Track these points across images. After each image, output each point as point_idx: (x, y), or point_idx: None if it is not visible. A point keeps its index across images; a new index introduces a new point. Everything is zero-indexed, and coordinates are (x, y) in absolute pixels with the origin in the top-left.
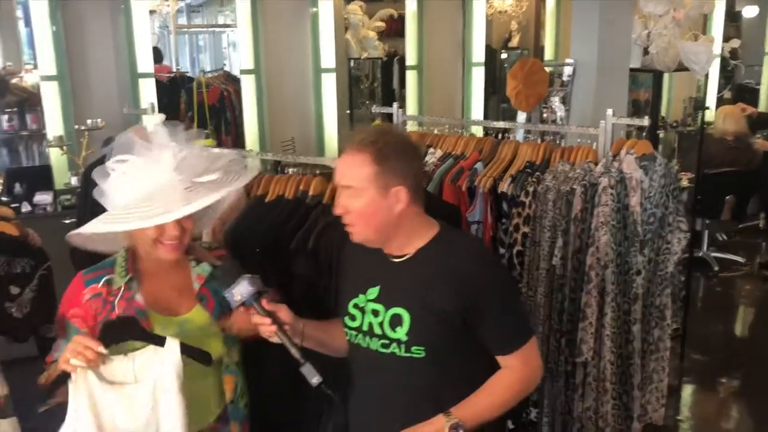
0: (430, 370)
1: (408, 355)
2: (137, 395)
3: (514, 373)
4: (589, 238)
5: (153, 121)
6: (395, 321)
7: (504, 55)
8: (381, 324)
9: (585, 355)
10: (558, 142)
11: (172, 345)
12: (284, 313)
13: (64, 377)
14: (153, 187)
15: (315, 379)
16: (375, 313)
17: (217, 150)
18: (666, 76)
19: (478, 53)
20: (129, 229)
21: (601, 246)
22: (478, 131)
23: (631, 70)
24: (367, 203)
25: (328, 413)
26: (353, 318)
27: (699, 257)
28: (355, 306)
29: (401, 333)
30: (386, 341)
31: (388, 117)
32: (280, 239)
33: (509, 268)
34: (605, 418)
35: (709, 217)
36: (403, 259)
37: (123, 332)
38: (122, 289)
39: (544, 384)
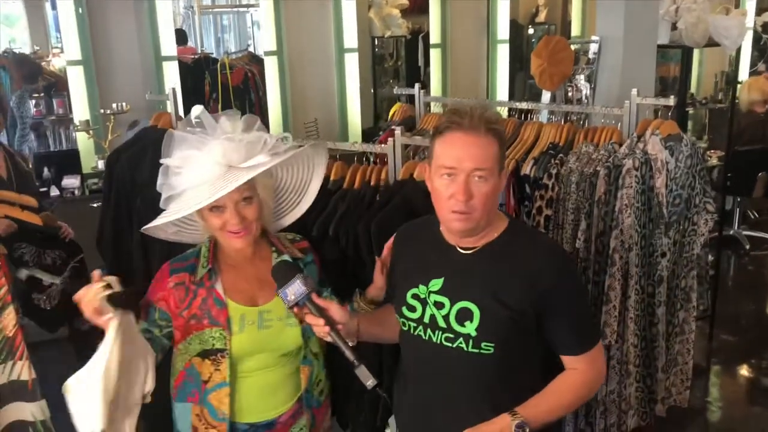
0: (497, 366)
1: (476, 350)
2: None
3: (581, 375)
4: (613, 221)
5: (195, 112)
6: (463, 315)
7: (531, 31)
8: (446, 317)
9: (608, 338)
10: (582, 122)
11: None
12: (336, 311)
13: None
14: (202, 177)
15: (370, 382)
16: (439, 305)
17: (263, 134)
18: (695, 52)
19: (503, 30)
20: (176, 218)
21: (625, 228)
22: (501, 112)
23: (659, 46)
24: (493, 186)
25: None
26: (412, 309)
27: (730, 236)
28: (415, 297)
29: (471, 328)
30: (452, 335)
31: (410, 98)
32: (304, 225)
33: None
34: (629, 400)
35: (741, 195)
36: (472, 251)
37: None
38: (203, 278)
39: None
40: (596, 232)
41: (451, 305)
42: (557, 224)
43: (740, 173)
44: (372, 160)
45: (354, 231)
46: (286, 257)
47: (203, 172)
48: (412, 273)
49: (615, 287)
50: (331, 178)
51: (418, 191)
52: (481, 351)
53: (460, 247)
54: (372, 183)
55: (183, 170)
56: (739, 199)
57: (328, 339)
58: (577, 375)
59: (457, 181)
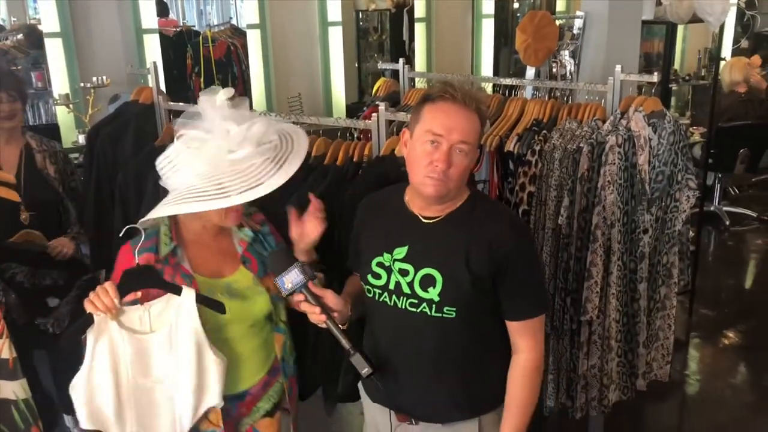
0: (461, 330)
1: (439, 315)
2: (152, 345)
3: (526, 360)
4: (596, 198)
5: (222, 97)
6: (427, 281)
7: (516, 5)
8: (410, 284)
9: (590, 313)
10: (566, 98)
11: (188, 294)
12: (331, 298)
13: (89, 321)
14: (216, 169)
15: (365, 370)
16: (403, 272)
17: (266, 120)
18: (679, 28)
19: (488, 4)
20: (223, 207)
21: (608, 205)
22: (486, 88)
23: (643, 22)
24: (470, 161)
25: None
26: (377, 276)
27: (710, 211)
28: (380, 265)
29: (433, 293)
30: (415, 300)
31: (395, 74)
32: (281, 202)
33: None
34: (610, 375)
35: (722, 171)
36: (435, 220)
37: (142, 281)
38: (168, 256)
39: (549, 342)
40: (579, 209)
41: (415, 272)
42: (540, 201)
43: (722, 149)
44: (356, 136)
45: (332, 207)
46: (247, 230)
47: (216, 163)
48: (377, 242)
49: (597, 263)
50: (313, 153)
51: (397, 166)
52: (444, 315)
53: (423, 217)
54: (355, 159)
55: (191, 159)
56: (720, 175)
57: (323, 326)
58: (524, 362)
59: (440, 149)
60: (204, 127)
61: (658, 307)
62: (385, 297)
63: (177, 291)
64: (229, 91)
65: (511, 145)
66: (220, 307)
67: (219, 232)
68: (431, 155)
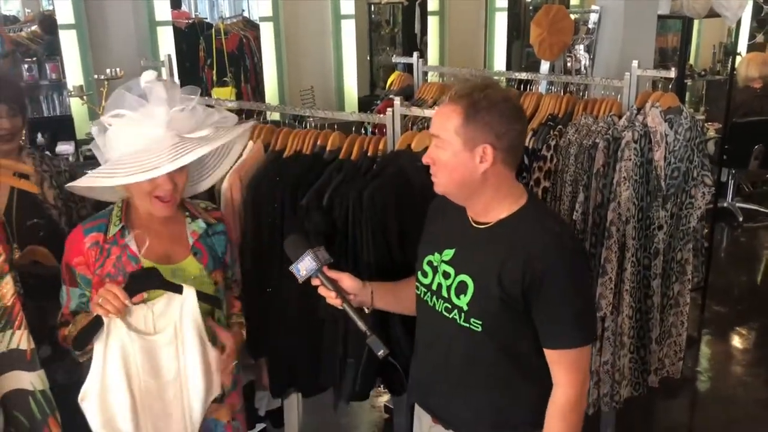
0: (488, 344)
1: (466, 325)
2: (159, 345)
3: (563, 395)
4: (611, 193)
5: (146, 77)
6: (460, 288)
7: None
8: (449, 287)
9: (603, 310)
10: (581, 93)
11: (189, 293)
12: (347, 281)
13: (97, 326)
14: (144, 142)
15: (381, 352)
16: (446, 275)
17: (209, 108)
18: (695, 23)
19: None
20: (121, 184)
21: (623, 201)
22: (501, 82)
23: (659, 16)
24: (451, 156)
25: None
26: (425, 275)
27: (724, 208)
28: (429, 263)
29: (464, 301)
30: (449, 306)
31: (408, 67)
32: (297, 196)
33: None
34: (622, 371)
35: (737, 168)
36: (485, 226)
37: (144, 283)
38: (116, 236)
39: None
40: (594, 205)
41: (455, 276)
42: (555, 196)
43: (737, 145)
44: (370, 130)
45: (347, 201)
46: (200, 222)
47: (149, 138)
48: (432, 240)
49: (611, 259)
50: (328, 148)
51: (413, 161)
52: (471, 326)
53: (474, 221)
54: (370, 154)
55: (122, 131)
56: (733, 172)
57: (340, 308)
58: (560, 398)
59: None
60: (136, 106)
61: (672, 303)
62: (428, 297)
63: (178, 290)
64: (152, 74)
65: (526, 140)
66: (177, 289)
67: (170, 219)
68: None
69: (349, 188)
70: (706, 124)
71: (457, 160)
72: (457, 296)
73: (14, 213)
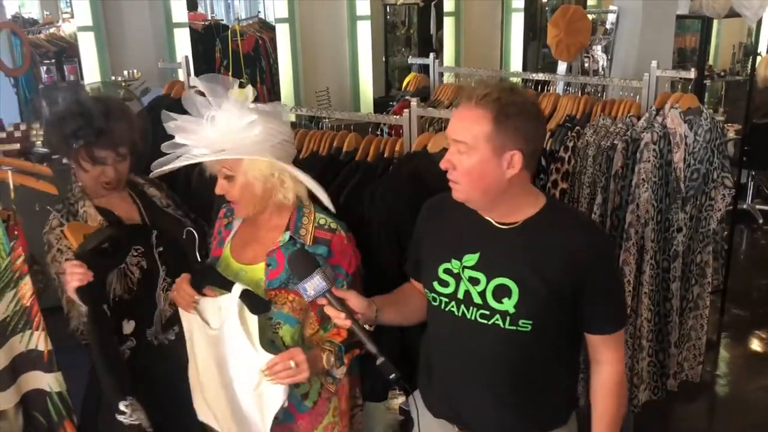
0: (535, 344)
1: (514, 328)
2: (222, 339)
3: (612, 372)
4: (629, 195)
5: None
6: (501, 292)
7: None
8: (482, 293)
9: None
10: (599, 94)
11: (236, 290)
12: (354, 300)
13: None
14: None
15: (393, 376)
16: (474, 281)
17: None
18: (714, 23)
19: None
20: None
21: (642, 203)
22: (517, 82)
23: (678, 16)
24: (477, 162)
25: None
26: (445, 284)
27: (743, 209)
28: (447, 271)
29: (509, 305)
30: (487, 312)
31: (423, 68)
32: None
33: None
34: (641, 375)
35: (756, 169)
36: (511, 227)
37: (203, 279)
38: (227, 218)
39: (581, 340)
40: (612, 207)
41: (488, 281)
42: (573, 198)
43: (757, 147)
44: (386, 131)
45: (362, 203)
46: (287, 235)
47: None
48: (444, 247)
49: (630, 262)
50: (344, 149)
51: (429, 163)
52: (518, 329)
53: (497, 222)
54: (386, 155)
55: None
56: (753, 173)
57: (347, 328)
58: (610, 375)
59: (450, 149)
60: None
61: (691, 306)
62: (453, 306)
63: (229, 287)
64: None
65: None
66: (262, 307)
67: (270, 224)
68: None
69: (365, 190)
70: (725, 126)
71: (483, 167)
72: (498, 300)
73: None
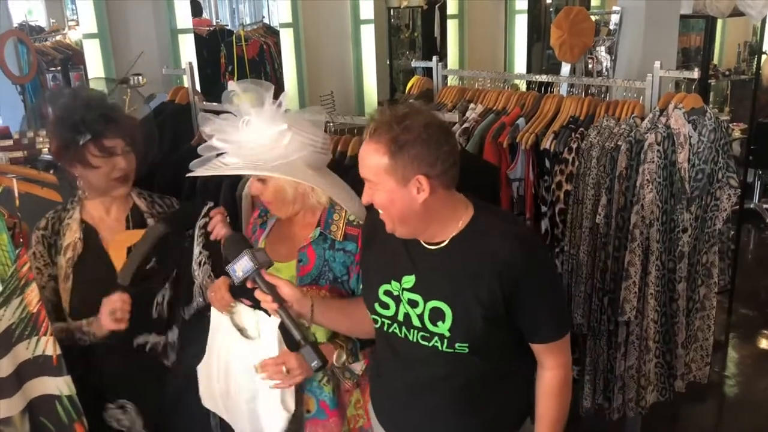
0: (476, 362)
1: (451, 350)
2: (259, 350)
3: (555, 377)
4: (634, 196)
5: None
6: (436, 315)
7: (549, 0)
8: (420, 316)
9: (628, 314)
10: (603, 95)
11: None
12: (286, 289)
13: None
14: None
15: (314, 363)
16: (413, 303)
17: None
18: (719, 22)
19: (521, 0)
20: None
21: (646, 204)
22: (520, 85)
23: (682, 16)
24: (387, 195)
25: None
26: (385, 306)
27: (750, 209)
28: (387, 293)
29: (443, 328)
30: (426, 334)
31: (427, 71)
32: None
33: (551, 226)
34: (648, 376)
35: (763, 168)
36: (438, 247)
37: (246, 289)
38: (262, 218)
39: (586, 342)
40: (617, 208)
41: (424, 304)
42: (577, 199)
43: (763, 146)
44: None
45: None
46: (317, 231)
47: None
48: (382, 267)
49: (635, 263)
50: (348, 153)
51: None
52: (456, 350)
53: (426, 243)
54: None
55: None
56: (760, 172)
57: (276, 315)
58: (552, 379)
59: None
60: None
61: (697, 307)
62: (395, 328)
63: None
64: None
65: (547, 143)
66: (297, 340)
67: (302, 222)
68: None
69: None
70: (731, 125)
71: (394, 197)
72: (434, 324)
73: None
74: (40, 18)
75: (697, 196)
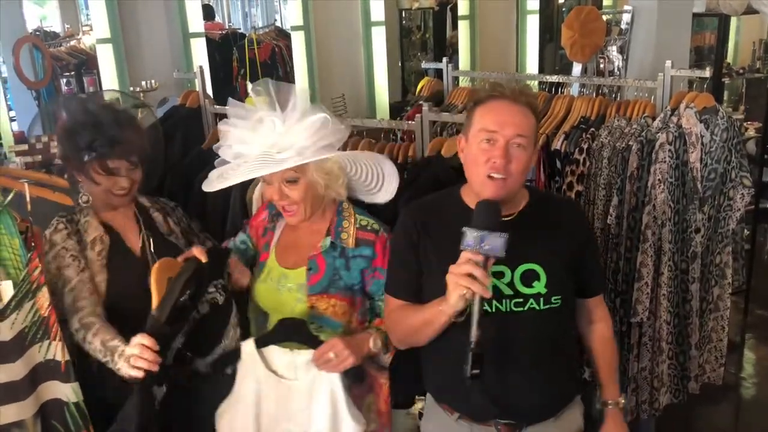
0: (564, 316)
1: (547, 306)
2: (294, 392)
3: (605, 325)
4: (646, 197)
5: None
6: (530, 277)
7: (561, 0)
8: (510, 284)
9: (640, 315)
10: (614, 95)
11: None
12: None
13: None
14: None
15: (476, 371)
16: (498, 275)
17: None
18: (732, 20)
19: (533, 1)
20: (228, 184)
21: (658, 204)
22: (531, 85)
23: (694, 14)
24: (529, 156)
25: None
26: None
27: (766, 208)
28: None
29: (539, 287)
30: (521, 299)
31: (438, 72)
32: None
33: None
34: (661, 378)
35: None
36: (512, 217)
37: (291, 333)
38: (272, 223)
39: None
40: (628, 208)
41: (512, 270)
42: (588, 200)
43: None
44: (399, 136)
45: (378, 209)
46: (328, 240)
47: (246, 146)
48: (452, 249)
49: (647, 264)
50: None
51: (446, 168)
52: (551, 305)
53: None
54: (399, 161)
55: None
56: None
57: (474, 298)
58: (605, 329)
59: (497, 145)
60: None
61: (711, 308)
62: (484, 306)
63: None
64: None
65: (558, 144)
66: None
67: (312, 229)
68: (489, 152)
69: None
70: (745, 123)
71: (530, 159)
72: (528, 286)
73: (149, 255)
74: (54, 23)
75: (710, 196)
